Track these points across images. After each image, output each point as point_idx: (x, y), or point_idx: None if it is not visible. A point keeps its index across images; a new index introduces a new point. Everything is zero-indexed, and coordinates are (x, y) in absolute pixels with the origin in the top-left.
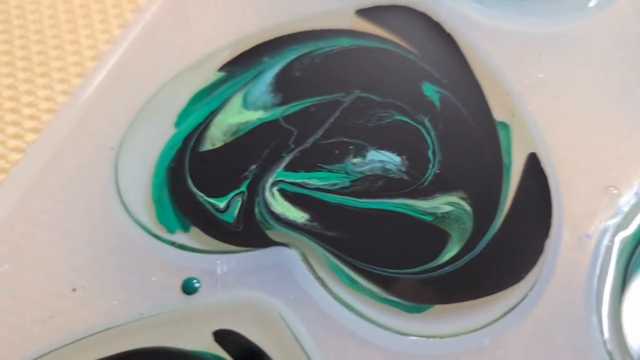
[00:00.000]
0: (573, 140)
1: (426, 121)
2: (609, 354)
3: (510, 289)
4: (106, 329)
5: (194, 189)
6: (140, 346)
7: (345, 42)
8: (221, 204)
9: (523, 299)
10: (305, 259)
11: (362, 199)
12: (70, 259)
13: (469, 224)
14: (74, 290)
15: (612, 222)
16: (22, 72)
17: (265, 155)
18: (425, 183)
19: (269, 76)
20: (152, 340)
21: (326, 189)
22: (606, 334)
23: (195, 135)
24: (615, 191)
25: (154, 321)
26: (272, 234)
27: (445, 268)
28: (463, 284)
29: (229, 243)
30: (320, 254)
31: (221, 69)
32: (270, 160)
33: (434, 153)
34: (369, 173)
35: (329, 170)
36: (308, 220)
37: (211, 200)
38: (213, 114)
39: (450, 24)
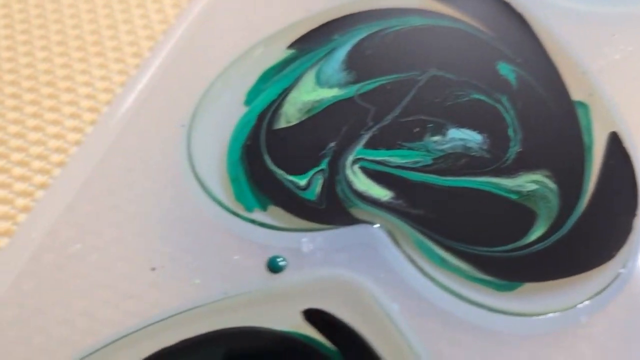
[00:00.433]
0: None
1: (504, 100)
2: None
3: (601, 267)
4: (191, 309)
5: (273, 167)
6: (227, 326)
7: (415, 21)
8: (302, 181)
9: (617, 277)
10: (393, 237)
11: (446, 176)
12: (147, 238)
13: (554, 202)
14: (153, 269)
15: None
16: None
17: (344, 132)
18: (508, 161)
19: (340, 54)
20: (239, 320)
21: (408, 167)
22: None
23: (270, 112)
24: None
25: (239, 300)
26: (356, 212)
27: (536, 246)
28: (553, 262)
29: (312, 221)
30: (407, 232)
31: (290, 46)
32: (349, 138)
33: (514, 131)
34: (450, 151)
35: (410, 148)
36: (392, 198)
37: (291, 178)
38: (286, 91)
39: (521, 4)
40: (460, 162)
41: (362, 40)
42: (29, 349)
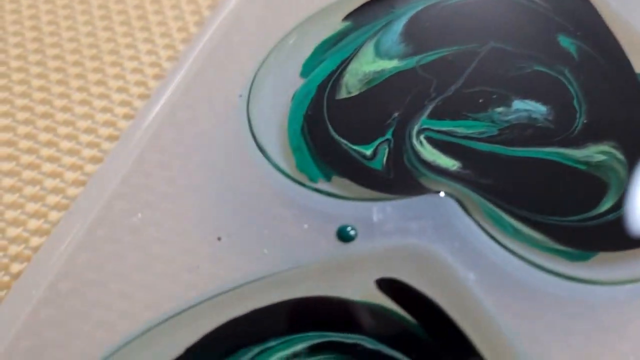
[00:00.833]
0: None
1: (566, 72)
2: None
3: None
4: (261, 278)
5: (337, 137)
6: (300, 295)
7: None
8: (368, 151)
9: None
10: (463, 207)
11: (513, 147)
12: (211, 207)
13: (623, 173)
14: (219, 239)
15: None
16: (137, 21)
17: (407, 103)
18: (575, 132)
19: (398, 26)
20: (311, 290)
21: (475, 137)
22: None
23: (330, 83)
24: None
25: (311, 270)
26: (425, 182)
27: (607, 216)
28: (627, 231)
29: (381, 191)
30: (477, 202)
31: (345, 18)
32: (413, 108)
33: (579, 103)
34: (515, 122)
35: (475, 119)
36: (460, 168)
37: (357, 147)
38: (345, 62)
39: None
40: (526, 132)
41: (420, 12)
42: (88, 322)
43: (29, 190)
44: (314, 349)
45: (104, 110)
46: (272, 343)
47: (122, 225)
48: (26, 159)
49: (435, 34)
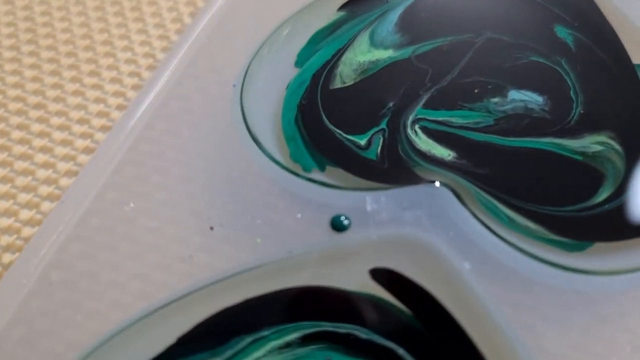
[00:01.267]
0: None
1: (563, 62)
2: None
3: None
4: (254, 268)
5: (331, 126)
6: (293, 285)
7: None
8: (362, 141)
9: None
10: (458, 196)
11: (509, 137)
12: (204, 197)
13: (620, 164)
14: (211, 228)
15: None
16: (131, 12)
17: (402, 93)
18: (571, 122)
19: (394, 16)
20: (305, 279)
21: (470, 127)
22: None
23: (324, 72)
24: None
25: (304, 259)
26: (419, 171)
27: (604, 207)
28: (624, 221)
29: (375, 180)
30: (472, 192)
31: (341, 8)
32: (408, 98)
33: (576, 93)
34: (511, 112)
35: (470, 109)
36: (456, 158)
37: (351, 137)
38: (340, 52)
39: None
40: (522, 123)
41: (415, 2)
42: (80, 312)
43: (21, 180)
44: (306, 339)
45: (97, 100)
46: (265, 332)
47: (114, 215)
48: (18, 149)
49: (431, 24)
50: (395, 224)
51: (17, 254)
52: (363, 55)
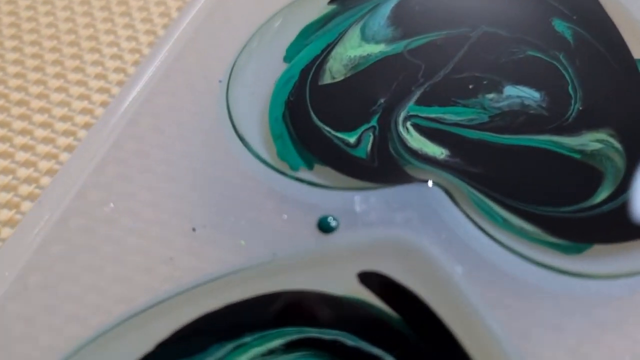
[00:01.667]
0: None
1: (562, 57)
2: None
3: None
4: (236, 271)
5: (319, 123)
6: (278, 289)
7: None
8: (351, 138)
9: None
10: (451, 197)
11: (504, 134)
12: (188, 197)
13: (620, 162)
14: (193, 230)
15: None
16: (117, 6)
17: (394, 89)
18: (570, 119)
19: (386, 9)
20: (290, 283)
21: (464, 124)
22: None
23: (313, 68)
24: None
25: (289, 262)
26: (410, 170)
27: (603, 207)
28: (623, 223)
29: (364, 180)
30: (465, 192)
31: (332, 1)
32: (400, 94)
33: (574, 89)
34: (507, 109)
35: (465, 105)
36: (448, 156)
37: (340, 134)
38: (330, 46)
39: None
40: (518, 119)
41: None
42: (59, 317)
43: (0, 179)
44: (290, 346)
45: (81, 97)
46: (247, 339)
47: (95, 216)
48: None
49: (424, 18)
50: (385, 226)
51: None
52: (354, 49)
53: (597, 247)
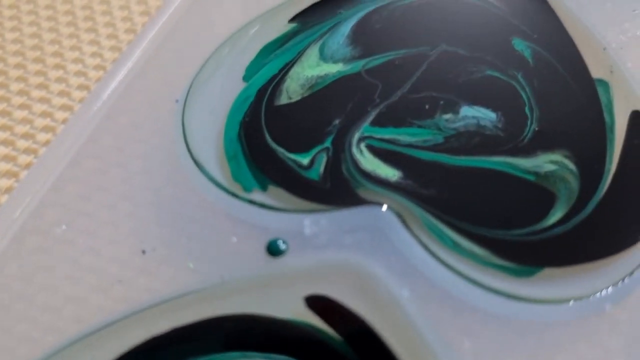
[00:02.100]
0: None
1: (520, 77)
2: None
3: (626, 252)
4: (184, 294)
5: (274, 145)
6: (224, 312)
7: None
8: (305, 160)
9: None
10: (402, 219)
11: (459, 156)
12: (136, 219)
13: (575, 184)
14: (143, 252)
15: None
16: (83, 22)
17: (349, 109)
18: (525, 140)
19: (345, 28)
20: (237, 307)
21: (418, 146)
22: None
23: (270, 87)
24: None
25: (237, 286)
26: (362, 192)
27: (555, 229)
28: (575, 246)
29: (316, 202)
30: (417, 214)
31: (292, 20)
32: (355, 115)
33: (531, 109)
34: (462, 129)
35: (420, 126)
36: (401, 178)
37: (293, 156)
38: (288, 66)
39: None
40: (473, 140)
41: (369, 14)
42: (12, 337)
43: None
44: None
45: (44, 115)
46: None
47: (51, 235)
48: None
49: (384, 36)
50: (335, 248)
51: None
52: (312, 69)
53: (548, 271)
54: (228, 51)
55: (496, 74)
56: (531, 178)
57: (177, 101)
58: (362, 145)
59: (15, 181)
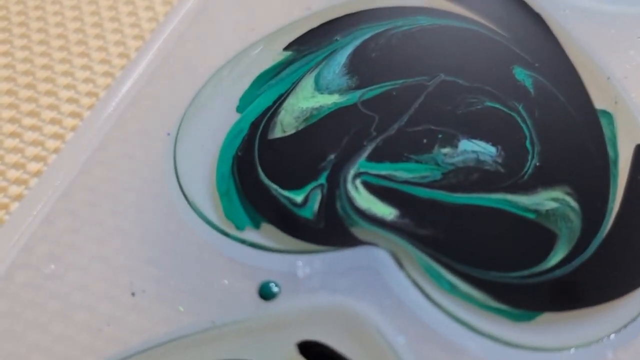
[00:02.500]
0: None
1: (521, 108)
2: None
3: (629, 296)
4: (173, 339)
5: (267, 181)
6: (214, 358)
7: (423, 21)
8: (298, 197)
9: None
10: (397, 261)
11: (457, 193)
12: (126, 259)
13: (576, 223)
14: (132, 294)
15: None
16: (76, 46)
17: (345, 143)
18: (525, 176)
19: (342, 57)
20: (227, 353)
21: (416, 182)
22: None
23: (264, 120)
24: None
25: (228, 330)
26: (357, 232)
27: (555, 272)
28: (576, 289)
29: (310, 241)
30: (413, 255)
31: (287, 48)
32: (351, 150)
33: (532, 143)
34: (461, 165)
35: (417, 161)
36: (397, 217)
37: (287, 193)
38: (282, 97)
39: (537, 3)
40: (472, 176)
41: (366, 41)
42: None
43: None
44: None
45: (35, 143)
46: None
47: (41, 271)
48: None
49: (381, 65)
50: (328, 292)
51: None
52: (306, 100)
53: (548, 315)
54: (221, 81)
55: (496, 105)
56: (531, 216)
57: (168, 134)
58: (358, 182)
59: (6, 213)
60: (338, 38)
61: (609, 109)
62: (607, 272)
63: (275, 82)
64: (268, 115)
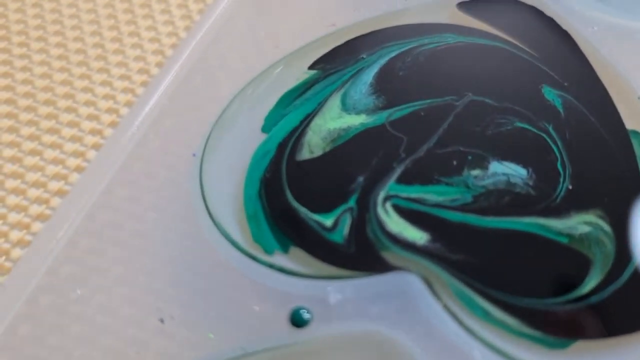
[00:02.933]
0: None
1: (551, 129)
2: None
3: None
4: None
5: (295, 204)
6: None
7: (450, 39)
8: (328, 221)
9: None
10: (430, 286)
11: (488, 216)
12: (154, 284)
13: (610, 247)
14: (161, 321)
15: None
16: (95, 61)
17: (374, 165)
18: (558, 199)
19: (368, 76)
20: None
21: (446, 205)
22: None
23: (291, 141)
24: None
25: (259, 358)
26: (388, 257)
27: (591, 299)
28: (611, 316)
29: (340, 266)
30: (446, 281)
31: (312, 66)
32: (380, 172)
33: (563, 165)
34: (492, 187)
35: (448, 184)
36: (429, 242)
37: (316, 217)
38: (309, 117)
39: (565, 20)
40: (503, 200)
41: (392, 59)
42: None
43: None
44: None
45: (55, 161)
46: None
47: (65, 294)
48: None
49: (408, 85)
50: (360, 319)
51: None
52: (333, 121)
53: (582, 343)
54: (245, 100)
55: (526, 126)
56: (564, 240)
57: (194, 155)
58: (388, 205)
59: (28, 233)
60: (364, 56)
61: None
62: None
63: (301, 101)
64: (295, 136)
